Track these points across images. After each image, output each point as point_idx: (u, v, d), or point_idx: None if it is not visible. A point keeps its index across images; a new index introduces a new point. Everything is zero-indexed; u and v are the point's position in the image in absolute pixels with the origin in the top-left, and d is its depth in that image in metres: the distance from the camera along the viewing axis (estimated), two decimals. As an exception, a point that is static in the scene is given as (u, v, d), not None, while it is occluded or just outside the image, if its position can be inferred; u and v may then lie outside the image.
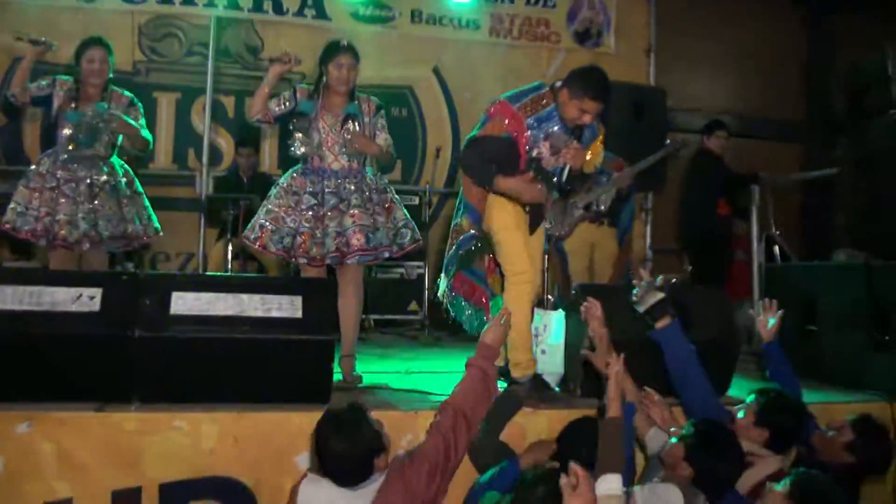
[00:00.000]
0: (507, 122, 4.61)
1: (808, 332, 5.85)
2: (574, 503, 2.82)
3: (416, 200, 8.47)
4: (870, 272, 5.28)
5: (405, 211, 5.22)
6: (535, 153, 4.68)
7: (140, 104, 5.52)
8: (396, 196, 5.26)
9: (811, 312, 5.84)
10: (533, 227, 4.92)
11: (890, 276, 5.17)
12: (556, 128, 4.67)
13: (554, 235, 6.41)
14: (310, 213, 4.96)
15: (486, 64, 9.32)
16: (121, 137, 5.47)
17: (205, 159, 8.09)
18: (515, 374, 4.65)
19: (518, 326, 4.52)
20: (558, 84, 4.68)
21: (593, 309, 4.03)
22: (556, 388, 4.85)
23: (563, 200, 6.59)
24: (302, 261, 4.98)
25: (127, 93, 5.51)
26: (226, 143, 9.00)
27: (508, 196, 4.72)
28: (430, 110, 9.68)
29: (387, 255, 5.09)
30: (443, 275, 4.96)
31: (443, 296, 4.96)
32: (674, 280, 4.27)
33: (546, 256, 6.06)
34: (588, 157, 4.80)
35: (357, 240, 4.91)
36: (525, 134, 4.62)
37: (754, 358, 5.81)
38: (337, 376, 4.75)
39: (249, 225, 5.11)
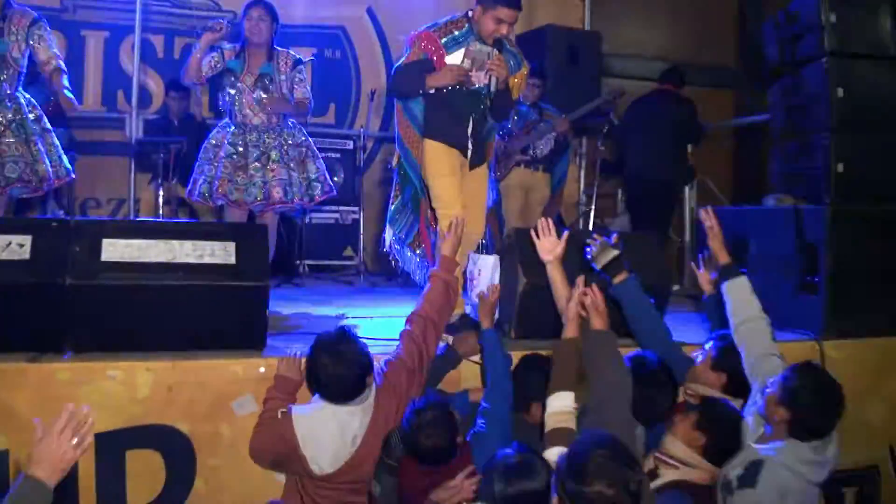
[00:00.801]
0: (422, 44, 4.76)
1: (739, 274, 5.96)
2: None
3: (351, 145, 8.41)
4: (799, 216, 5.37)
5: (321, 163, 5.53)
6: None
7: (44, 21, 5.09)
8: (314, 149, 5.54)
9: (742, 255, 5.94)
10: (473, 165, 4.95)
11: (818, 220, 5.27)
12: (475, 43, 4.76)
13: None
14: (228, 160, 5.24)
15: (421, 5, 9.16)
16: (24, 64, 5.07)
17: (134, 101, 7.90)
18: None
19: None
20: (471, 11, 4.80)
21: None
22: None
23: (501, 142, 6.66)
24: (219, 202, 5.26)
25: (30, 10, 5.06)
26: (155, 84, 8.74)
27: (444, 141, 4.80)
28: (364, 52, 9.51)
29: (300, 206, 5.57)
30: (388, 226, 5.05)
31: (390, 247, 5.09)
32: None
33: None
34: (515, 82, 4.94)
35: (277, 193, 5.31)
36: (441, 52, 4.74)
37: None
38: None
39: (191, 179, 5.39)
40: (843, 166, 5.27)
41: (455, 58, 4.74)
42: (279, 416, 3.70)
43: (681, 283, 7.37)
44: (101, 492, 3.80)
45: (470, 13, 4.79)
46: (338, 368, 3.54)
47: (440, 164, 4.80)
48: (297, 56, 5.49)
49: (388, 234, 5.07)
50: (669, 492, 3.35)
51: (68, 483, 3.72)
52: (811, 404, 3.31)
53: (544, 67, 7.41)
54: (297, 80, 5.43)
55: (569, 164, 7.57)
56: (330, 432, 3.59)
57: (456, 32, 4.76)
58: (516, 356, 4.18)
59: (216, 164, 5.25)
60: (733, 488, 3.34)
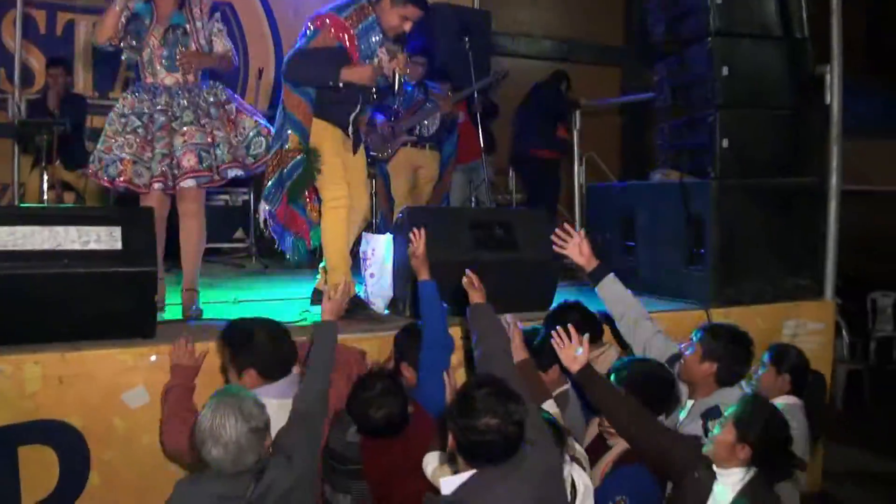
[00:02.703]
0: (333, 31, 4.62)
1: (627, 247, 6.09)
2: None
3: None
4: (685, 190, 5.50)
5: (259, 119, 4.99)
6: (372, 62, 4.76)
7: None
8: (245, 104, 5.08)
9: (630, 229, 6.08)
10: (356, 147, 4.99)
11: (704, 194, 5.41)
12: (381, 36, 4.78)
13: (377, 157, 6.57)
14: (132, 136, 4.67)
15: (309, -19, 9.05)
16: None
17: (16, 79, 7.58)
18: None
19: (334, 248, 4.74)
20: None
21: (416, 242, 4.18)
22: (386, 311, 4.90)
23: (389, 123, 6.66)
24: (121, 189, 4.76)
25: None
26: (37, 61, 8.45)
27: (329, 120, 4.78)
28: (252, 29, 9.34)
29: (235, 173, 4.87)
30: (263, 202, 4.90)
31: (265, 224, 4.95)
32: None
33: (373, 180, 6.16)
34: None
35: (188, 160, 4.65)
36: (355, 43, 4.67)
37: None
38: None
39: (91, 157, 4.81)
40: (728, 142, 5.41)
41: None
42: None
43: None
44: (-6, 490, 3.71)
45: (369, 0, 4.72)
46: (275, 343, 3.56)
47: (324, 144, 4.79)
48: (211, 2, 4.98)
49: (262, 210, 4.93)
50: (628, 468, 3.48)
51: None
52: (733, 354, 3.85)
53: (432, 46, 7.41)
54: (215, 31, 4.90)
55: (457, 142, 7.60)
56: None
57: (365, 21, 4.69)
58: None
59: (122, 138, 4.67)
60: None
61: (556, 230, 4.32)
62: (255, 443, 2.91)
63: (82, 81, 8.41)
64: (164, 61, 4.77)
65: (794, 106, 5.69)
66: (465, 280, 3.80)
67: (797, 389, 4.15)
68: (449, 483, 2.83)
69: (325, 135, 4.80)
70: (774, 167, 5.60)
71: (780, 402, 3.84)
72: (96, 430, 3.84)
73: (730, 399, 3.63)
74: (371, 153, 6.59)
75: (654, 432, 3.48)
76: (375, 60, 4.75)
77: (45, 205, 6.52)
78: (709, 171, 5.49)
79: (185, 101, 4.75)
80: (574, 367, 3.65)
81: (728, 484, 3.23)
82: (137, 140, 4.67)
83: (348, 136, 4.90)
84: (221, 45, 4.93)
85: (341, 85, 4.65)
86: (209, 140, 4.73)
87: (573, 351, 3.63)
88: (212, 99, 4.85)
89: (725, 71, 5.40)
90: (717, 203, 5.39)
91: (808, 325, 5.59)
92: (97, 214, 4.33)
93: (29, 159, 7.44)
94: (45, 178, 6.71)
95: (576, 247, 4.23)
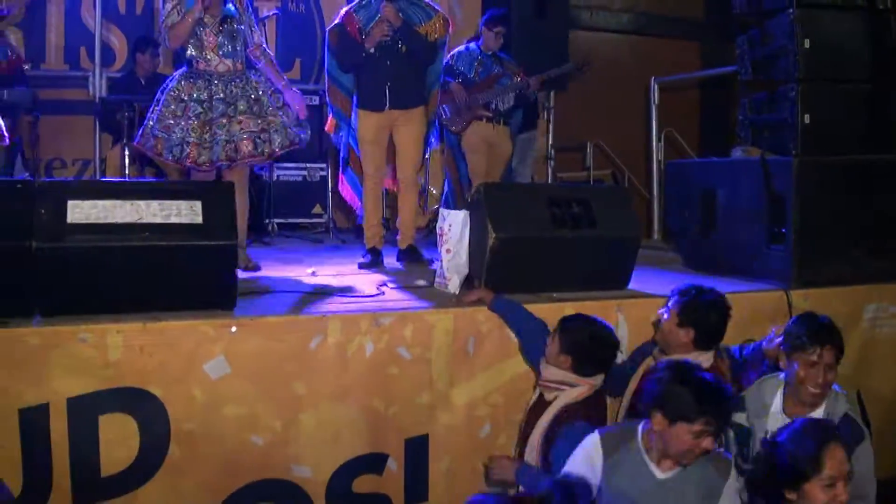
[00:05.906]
0: (336, 20, 6.01)
1: (708, 226, 6.00)
2: None
3: (317, 100, 8.29)
4: (766, 167, 5.39)
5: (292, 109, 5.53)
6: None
7: None
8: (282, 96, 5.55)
9: (710, 207, 5.98)
10: (401, 105, 5.92)
11: (785, 171, 5.29)
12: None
13: (448, 128, 6.73)
14: (195, 120, 5.11)
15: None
16: None
17: (97, 58, 7.73)
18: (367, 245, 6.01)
19: (365, 212, 6.10)
20: None
21: None
22: (459, 288, 4.89)
23: (463, 93, 6.75)
24: (188, 167, 5.21)
25: None
26: (118, 40, 8.59)
27: (365, 108, 5.94)
28: (328, 4, 9.28)
29: (286, 150, 5.44)
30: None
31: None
32: None
33: (443, 153, 6.48)
34: (427, 28, 5.95)
35: (246, 147, 5.20)
36: (353, 18, 5.88)
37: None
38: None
39: (141, 131, 5.22)
40: (810, 117, 5.30)
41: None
42: None
43: (649, 237, 7.40)
44: (74, 459, 3.74)
45: None
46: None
47: (364, 130, 5.95)
48: None
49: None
50: (566, 427, 3.63)
51: (40, 451, 3.69)
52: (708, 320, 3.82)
53: (509, 17, 7.35)
54: (252, 22, 5.41)
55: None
56: None
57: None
58: (483, 311, 4.41)
59: (185, 122, 5.09)
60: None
61: None
62: None
63: (162, 60, 8.55)
64: (218, 49, 5.21)
65: (876, 80, 5.54)
66: None
67: None
68: None
69: (364, 122, 5.95)
70: (856, 143, 5.47)
71: None
72: (177, 400, 3.88)
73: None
74: (442, 124, 7.02)
75: None
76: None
77: (129, 179, 6.65)
78: (790, 147, 5.38)
79: (238, 90, 5.24)
80: None
81: None
82: (198, 124, 5.12)
83: (383, 109, 5.88)
84: (258, 35, 5.45)
85: (372, 50, 5.81)
86: (266, 125, 5.26)
87: None
88: (261, 90, 5.31)
89: (807, 43, 5.28)
90: (799, 181, 5.23)
91: (890, 309, 5.43)
92: (178, 189, 4.39)
93: (110, 136, 7.60)
94: (127, 153, 6.84)
95: None
